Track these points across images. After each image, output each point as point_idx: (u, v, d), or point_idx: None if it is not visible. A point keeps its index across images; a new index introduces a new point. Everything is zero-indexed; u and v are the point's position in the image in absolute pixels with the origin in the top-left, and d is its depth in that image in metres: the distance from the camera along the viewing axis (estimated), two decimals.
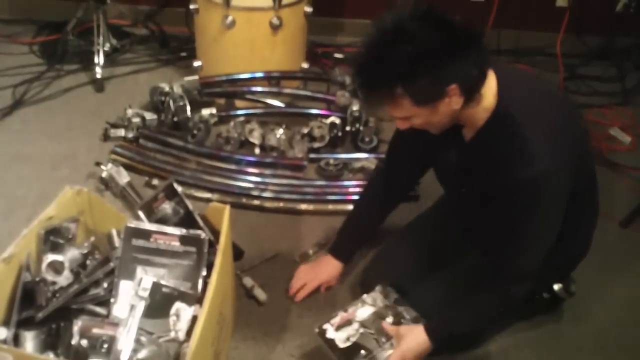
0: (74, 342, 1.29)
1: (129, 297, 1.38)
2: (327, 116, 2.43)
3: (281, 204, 2.13)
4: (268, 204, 2.13)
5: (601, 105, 2.85)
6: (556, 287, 1.64)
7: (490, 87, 1.31)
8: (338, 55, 3.05)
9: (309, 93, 2.59)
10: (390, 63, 1.21)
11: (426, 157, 1.59)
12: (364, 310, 1.58)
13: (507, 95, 1.32)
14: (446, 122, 1.35)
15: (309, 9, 2.52)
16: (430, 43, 1.19)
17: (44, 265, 1.38)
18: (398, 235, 1.83)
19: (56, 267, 1.38)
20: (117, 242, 1.57)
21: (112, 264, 1.43)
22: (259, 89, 2.55)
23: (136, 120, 2.39)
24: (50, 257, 1.38)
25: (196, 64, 2.63)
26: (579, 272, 1.68)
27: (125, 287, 1.40)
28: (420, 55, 1.19)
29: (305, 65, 2.69)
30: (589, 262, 1.66)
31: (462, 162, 1.47)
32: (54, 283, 1.38)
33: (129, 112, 2.42)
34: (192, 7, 2.50)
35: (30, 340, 1.31)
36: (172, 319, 1.35)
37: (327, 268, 1.79)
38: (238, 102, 2.62)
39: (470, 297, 1.48)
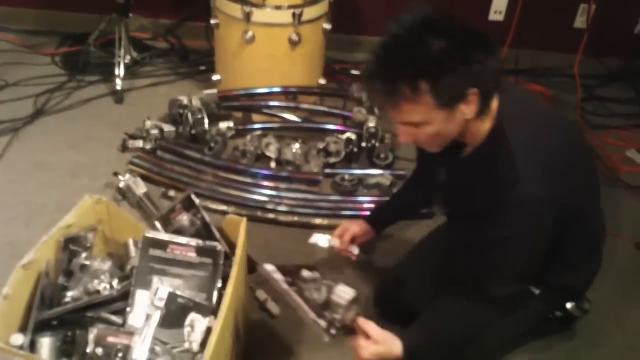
0: (89, 350, 1.30)
1: (144, 307, 1.39)
2: (343, 132, 2.45)
3: (296, 218, 2.14)
4: (283, 218, 2.14)
5: (618, 126, 2.84)
6: (569, 305, 1.63)
7: (494, 104, 1.30)
8: (355, 72, 3.07)
9: (325, 108, 2.61)
10: (418, 55, 1.17)
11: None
12: None
13: (506, 115, 1.31)
14: (452, 136, 1.33)
15: (327, 26, 2.55)
16: (460, 38, 1.17)
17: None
18: (410, 253, 1.83)
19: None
20: (133, 251, 1.59)
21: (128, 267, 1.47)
22: (276, 103, 2.58)
23: (154, 131, 2.41)
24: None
25: (215, 77, 2.66)
26: (593, 294, 1.66)
27: (141, 297, 1.41)
28: (451, 49, 1.17)
29: (322, 81, 2.71)
30: (604, 284, 1.65)
31: (451, 179, 1.47)
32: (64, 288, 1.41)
33: (148, 123, 2.45)
34: (212, 21, 2.53)
35: (45, 346, 1.32)
36: (186, 329, 1.36)
37: (359, 223, 1.79)
38: (255, 116, 2.64)
39: (448, 317, 1.46)
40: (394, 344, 1.37)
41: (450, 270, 1.53)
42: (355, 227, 1.77)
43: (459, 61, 1.18)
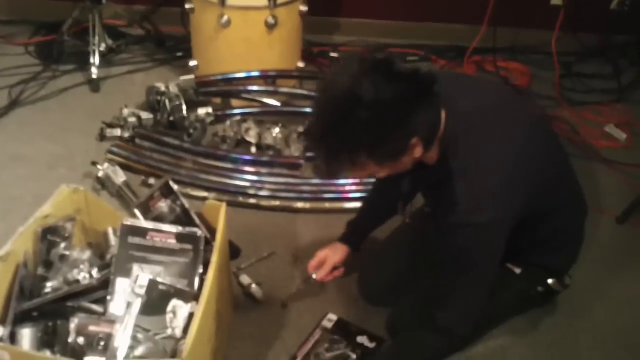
0: (70, 339, 1.29)
1: (125, 295, 1.38)
2: None
3: (277, 203, 2.13)
4: (264, 203, 2.13)
5: (597, 102, 2.85)
6: (550, 280, 1.64)
7: (440, 127, 1.28)
8: (333, 54, 3.05)
9: (304, 92, 2.59)
10: (350, 133, 1.15)
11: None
12: None
13: (455, 131, 1.28)
14: (406, 169, 1.32)
15: (304, 8, 2.53)
16: (387, 103, 1.13)
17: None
18: (392, 234, 1.84)
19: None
20: (112, 240, 1.58)
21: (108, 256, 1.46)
22: (254, 88, 2.56)
23: (132, 119, 2.38)
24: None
25: (192, 63, 2.63)
26: (575, 268, 1.68)
27: (121, 285, 1.40)
28: (379, 118, 1.14)
29: (300, 64, 2.69)
30: (585, 258, 1.67)
31: (414, 188, 1.50)
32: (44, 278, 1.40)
33: (125, 111, 2.42)
34: (187, 6, 2.50)
35: (26, 337, 1.30)
36: (168, 316, 1.35)
37: (338, 251, 1.74)
38: (234, 101, 2.62)
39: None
40: None
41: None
42: (335, 257, 1.72)
43: (391, 126, 1.16)
